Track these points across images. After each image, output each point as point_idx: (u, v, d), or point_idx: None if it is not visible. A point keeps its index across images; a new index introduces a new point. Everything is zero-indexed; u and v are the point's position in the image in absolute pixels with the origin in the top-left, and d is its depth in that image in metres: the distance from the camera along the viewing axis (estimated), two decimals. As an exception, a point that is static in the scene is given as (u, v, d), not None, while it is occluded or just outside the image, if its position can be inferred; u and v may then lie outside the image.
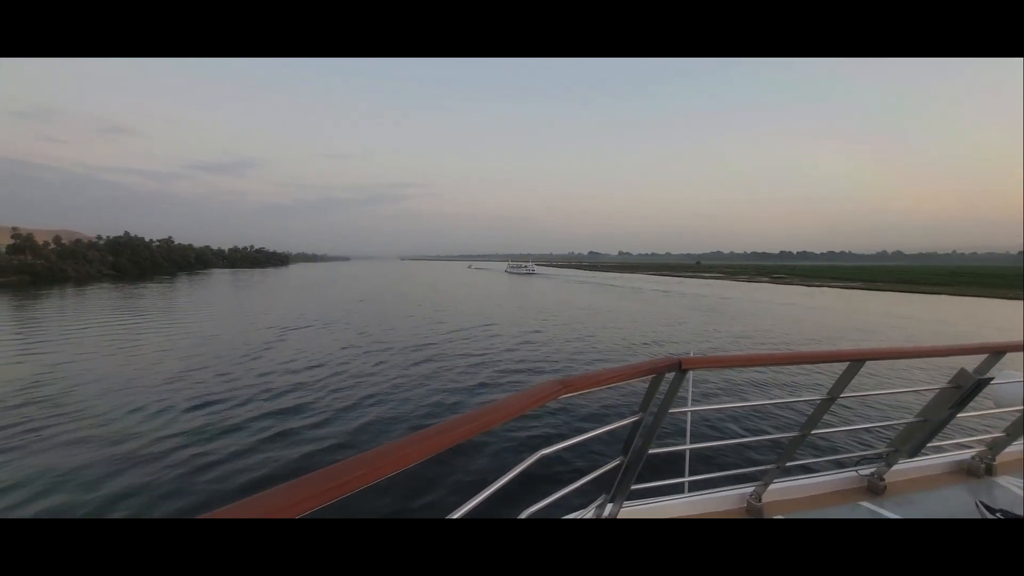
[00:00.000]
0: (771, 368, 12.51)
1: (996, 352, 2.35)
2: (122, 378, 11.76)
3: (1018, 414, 2.74)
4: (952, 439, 2.95)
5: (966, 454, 2.97)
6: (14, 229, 70.32)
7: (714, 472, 2.32)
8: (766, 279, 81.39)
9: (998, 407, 2.66)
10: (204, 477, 6.54)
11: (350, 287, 52.08)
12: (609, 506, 1.97)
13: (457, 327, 21.22)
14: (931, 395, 2.43)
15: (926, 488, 2.68)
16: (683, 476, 2.29)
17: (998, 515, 2.29)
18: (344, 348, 16.08)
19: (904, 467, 2.75)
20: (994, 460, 2.88)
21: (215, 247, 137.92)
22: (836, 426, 3.46)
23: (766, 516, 2.37)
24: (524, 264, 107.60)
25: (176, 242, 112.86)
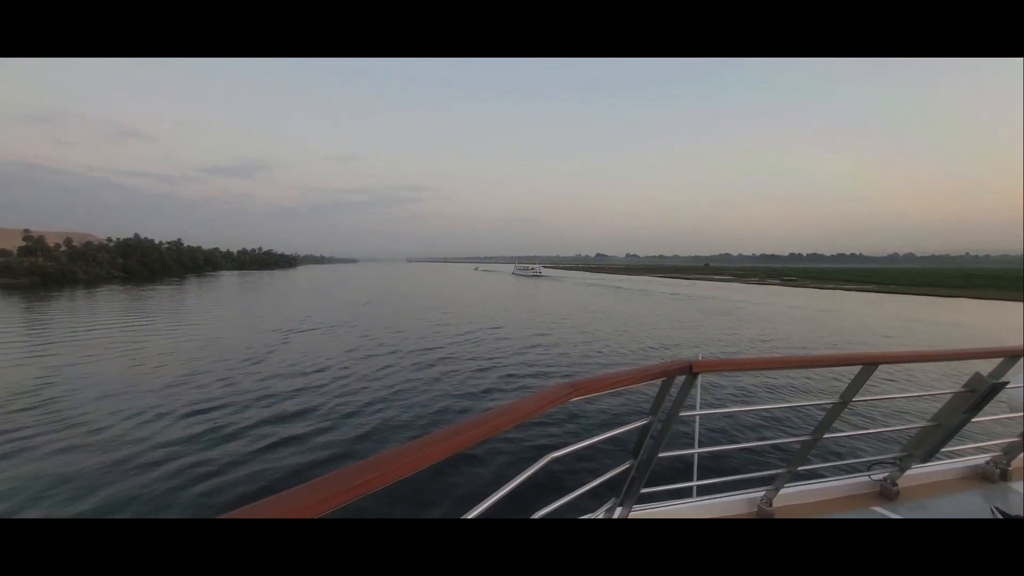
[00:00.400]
0: (782, 372, 12.04)
1: (1012, 356, 2.29)
2: (123, 382, 11.55)
3: None
4: (966, 444, 2.89)
5: (981, 459, 2.92)
6: (26, 231, 71.18)
7: (724, 476, 2.28)
8: (776, 281, 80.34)
9: (1013, 411, 2.57)
10: (196, 489, 6.24)
11: (357, 289, 52.03)
12: (619, 509, 1.96)
13: (464, 330, 20.91)
14: (945, 399, 2.38)
15: (940, 493, 2.65)
16: (692, 480, 2.32)
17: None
18: (348, 352, 15.80)
19: (917, 472, 2.71)
20: (1009, 465, 2.84)
21: (224, 249, 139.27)
22: (848, 430, 3.44)
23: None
24: (531, 266, 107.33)
25: (185, 244, 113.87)
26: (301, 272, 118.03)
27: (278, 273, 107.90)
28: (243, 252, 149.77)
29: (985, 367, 2.33)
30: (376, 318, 25.29)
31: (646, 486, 1.95)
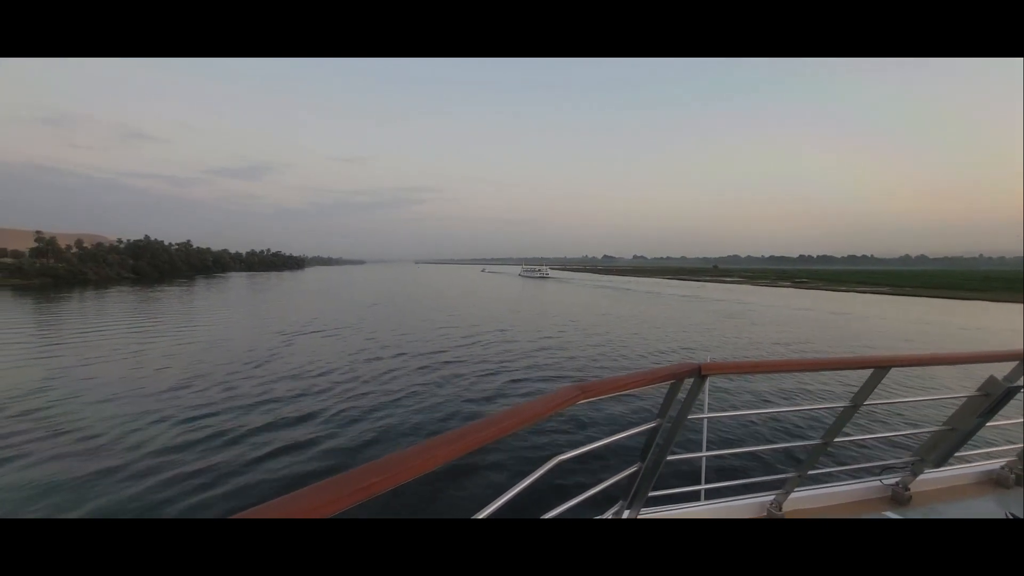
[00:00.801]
0: (792, 375, 12.09)
1: None
2: (124, 385, 11.37)
3: None
4: (980, 448, 2.87)
5: (994, 464, 2.86)
6: (37, 233, 72.03)
7: (733, 480, 2.29)
8: (788, 284, 79.27)
9: None
10: (188, 502, 5.96)
11: (364, 290, 51.97)
12: (627, 512, 1.97)
13: (471, 332, 20.61)
14: (958, 403, 2.36)
15: (953, 499, 2.62)
16: (700, 484, 2.28)
17: None
18: (354, 355, 15.55)
19: (930, 477, 2.68)
20: None
21: (232, 251, 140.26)
22: (859, 434, 3.35)
23: None
24: (538, 268, 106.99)
25: (194, 246, 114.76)
26: (309, 273, 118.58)
27: (286, 274, 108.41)
28: (251, 253, 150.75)
29: (1000, 370, 2.28)
30: (383, 320, 25.08)
31: (654, 489, 1.93)
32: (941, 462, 2.47)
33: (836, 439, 2.19)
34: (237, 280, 75.27)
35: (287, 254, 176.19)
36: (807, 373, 12.03)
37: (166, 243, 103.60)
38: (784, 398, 10.77)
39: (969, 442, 2.41)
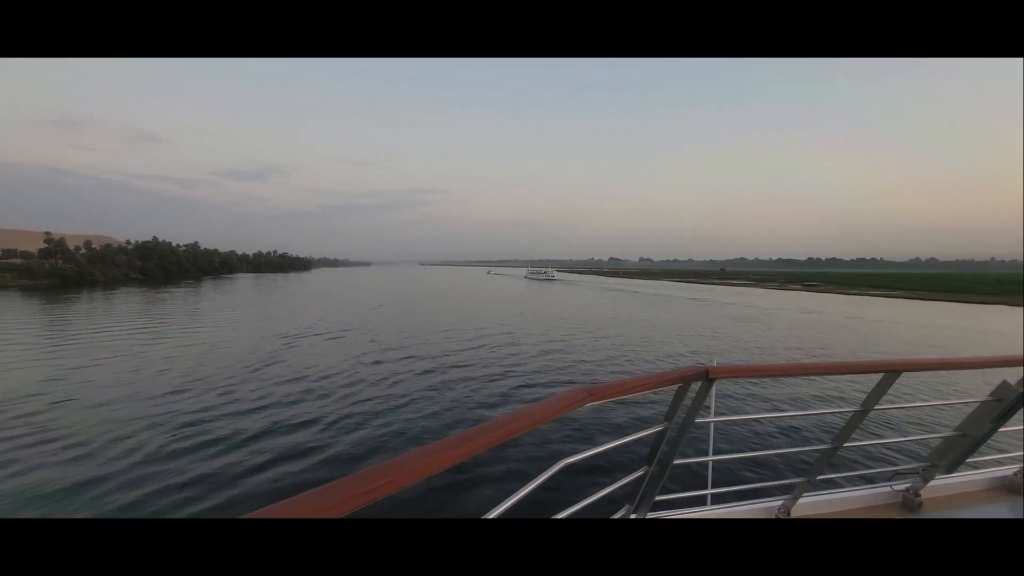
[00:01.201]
0: (801, 379, 11.83)
1: None
2: (122, 389, 11.11)
3: None
4: (992, 454, 2.82)
5: (1007, 470, 2.81)
6: (46, 234, 72.55)
7: (740, 485, 2.26)
8: (798, 287, 78.24)
9: None
10: (180, 513, 5.59)
11: (369, 292, 51.80)
12: (633, 516, 1.99)
13: (477, 335, 20.26)
14: (971, 408, 2.33)
15: (964, 505, 2.59)
16: (707, 488, 2.29)
17: None
18: (357, 359, 15.24)
19: (941, 483, 2.63)
20: None
21: (240, 252, 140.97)
22: (869, 439, 3.29)
23: None
24: (544, 270, 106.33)
25: (202, 247, 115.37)
26: (315, 275, 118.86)
27: (293, 276, 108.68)
28: (258, 255, 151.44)
29: (1013, 375, 2.23)
30: (387, 323, 24.80)
31: (660, 493, 1.93)
32: (953, 468, 2.45)
33: (846, 444, 2.16)
34: (244, 281, 75.46)
35: (293, 255, 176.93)
36: (816, 378, 11.88)
37: (174, 244, 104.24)
38: (792, 402, 10.60)
39: (981, 448, 2.39)
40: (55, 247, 71.37)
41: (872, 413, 2.09)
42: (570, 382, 12.39)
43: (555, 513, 1.41)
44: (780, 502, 2.36)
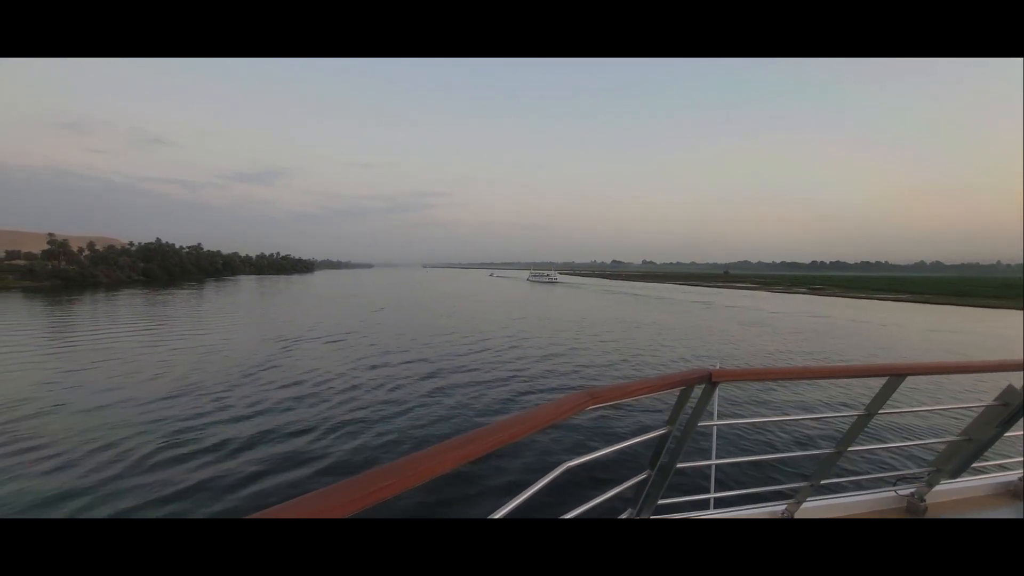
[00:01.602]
0: (805, 382, 11.74)
1: None
2: (115, 393, 10.79)
3: None
4: (998, 459, 2.80)
5: (1012, 475, 2.79)
6: (50, 235, 72.68)
7: (743, 489, 2.27)
8: (804, 290, 77.63)
9: None
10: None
11: (371, 294, 51.54)
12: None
13: (480, 339, 19.91)
14: (976, 413, 2.32)
15: (969, 510, 2.57)
16: (710, 492, 2.28)
17: None
18: (356, 363, 14.89)
19: (946, 488, 2.63)
20: None
21: (243, 254, 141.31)
22: (874, 443, 3.40)
23: None
24: (546, 273, 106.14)
25: (205, 249, 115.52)
26: (318, 277, 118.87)
27: (295, 278, 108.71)
28: (261, 257, 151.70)
29: (1019, 379, 2.20)
30: (388, 326, 24.47)
31: (663, 497, 1.93)
32: (958, 473, 2.43)
33: (850, 448, 2.16)
34: (246, 283, 75.37)
35: (296, 257, 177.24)
36: (820, 381, 11.75)
37: (177, 246, 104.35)
38: (796, 406, 10.54)
39: (986, 452, 2.36)
40: (58, 248, 71.47)
41: (877, 417, 2.07)
42: (575, 387, 12.06)
43: (557, 515, 1.36)
44: (784, 506, 2.36)
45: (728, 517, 2.30)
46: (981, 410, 2.31)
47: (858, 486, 2.66)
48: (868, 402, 2.08)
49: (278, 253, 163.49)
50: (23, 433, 8.18)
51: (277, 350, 16.67)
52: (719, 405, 2.77)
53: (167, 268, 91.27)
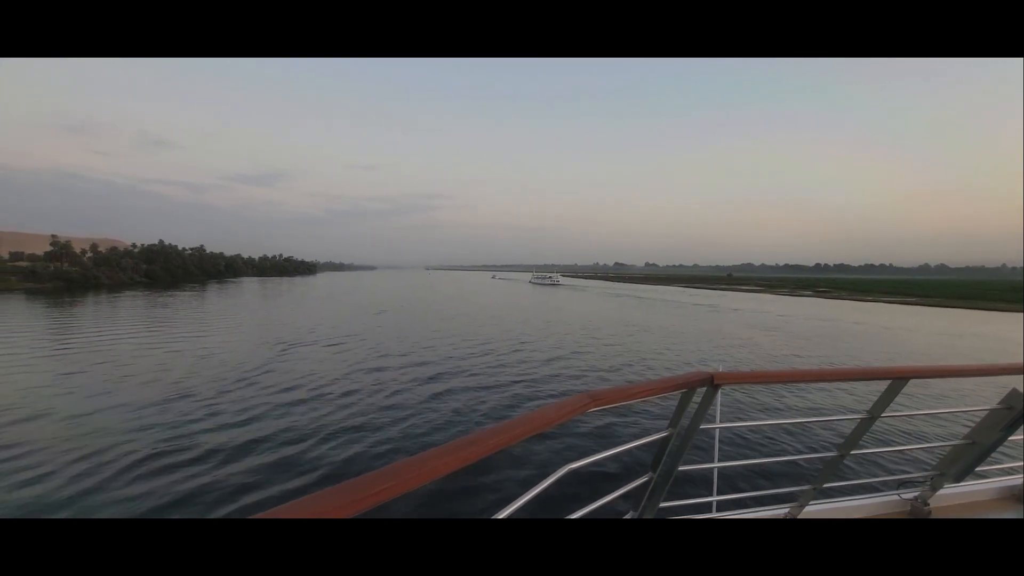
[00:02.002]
0: (807, 386, 11.79)
1: None
2: (106, 397, 10.44)
3: None
4: (1002, 463, 2.79)
5: (1017, 479, 2.77)
6: (53, 237, 72.69)
7: (745, 492, 2.28)
8: (809, 292, 76.96)
9: None
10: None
11: (373, 297, 51.22)
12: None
13: (482, 343, 19.50)
14: (980, 416, 2.33)
15: (973, 514, 2.56)
16: (712, 495, 2.29)
17: None
18: (356, 366, 14.52)
19: (950, 492, 2.62)
20: None
21: (246, 256, 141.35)
22: (877, 447, 3.15)
23: None
24: (548, 275, 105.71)
25: (208, 251, 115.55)
26: (320, 279, 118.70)
27: (298, 280, 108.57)
28: (264, 258, 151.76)
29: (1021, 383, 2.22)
30: (390, 329, 24.11)
31: (665, 500, 1.94)
32: (962, 477, 2.41)
33: (852, 451, 2.15)
34: (248, 285, 75.18)
35: (299, 259, 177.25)
36: (823, 385, 11.84)
37: (180, 248, 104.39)
38: (799, 409, 10.49)
39: (991, 456, 2.35)
40: (60, 250, 71.46)
41: (880, 420, 2.07)
42: (581, 392, 11.61)
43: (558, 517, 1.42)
44: (786, 509, 2.34)
45: (731, 518, 2.28)
46: (985, 413, 2.29)
47: (861, 489, 2.68)
48: (871, 405, 2.06)
49: (280, 255, 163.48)
50: (2, 441, 7.80)
51: (275, 354, 16.31)
52: (722, 408, 2.62)
53: (170, 270, 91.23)
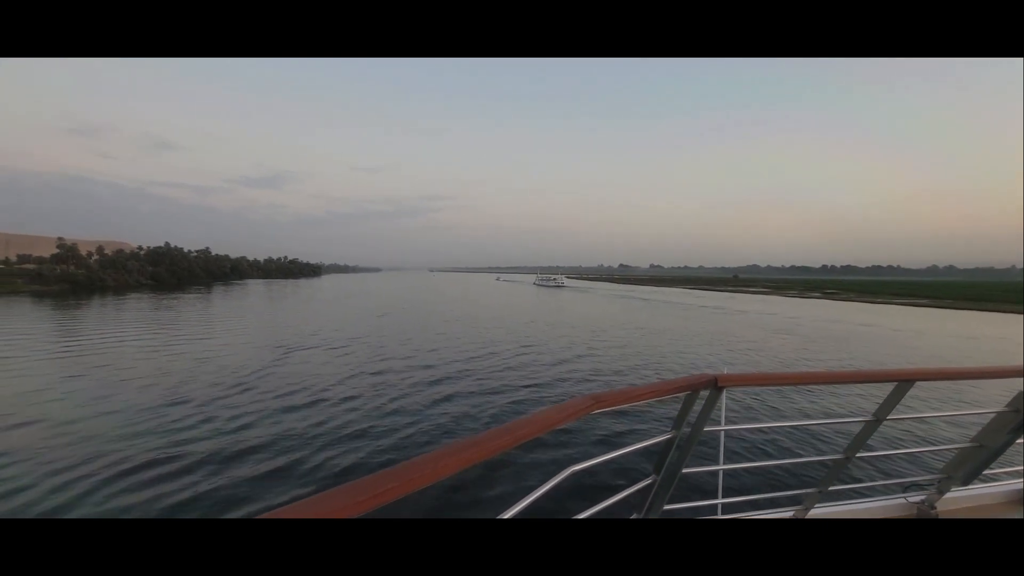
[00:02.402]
0: (814, 387, 11.68)
1: None
2: (103, 403, 10.21)
3: None
4: (1009, 466, 2.73)
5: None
6: (59, 239, 73.17)
7: (750, 495, 2.22)
8: (817, 294, 76.17)
9: None
10: None
11: (377, 299, 51.09)
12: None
13: (486, 345, 19.21)
14: (987, 419, 2.30)
15: (980, 518, 2.51)
16: (717, 498, 2.30)
17: None
18: (359, 369, 14.27)
19: (957, 495, 2.59)
20: None
21: (251, 258, 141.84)
22: (883, 450, 3.00)
23: None
24: (553, 277, 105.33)
25: (214, 252, 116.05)
26: (325, 281, 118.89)
27: (303, 282, 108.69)
28: (269, 261, 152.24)
29: None
30: (393, 331, 23.89)
31: (669, 502, 1.94)
32: (969, 480, 2.39)
33: (858, 454, 2.14)
34: (254, 287, 75.31)
35: (304, 261, 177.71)
36: (827, 387, 11.74)
37: (186, 250, 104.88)
38: (804, 411, 10.38)
39: (998, 459, 2.33)
40: (67, 253, 71.89)
41: (886, 423, 2.07)
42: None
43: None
44: (791, 512, 2.34)
45: (736, 518, 2.25)
46: (992, 416, 2.27)
47: (867, 492, 2.69)
48: (877, 408, 2.04)
49: (285, 257, 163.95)
50: (-6, 449, 7.60)
51: (278, 356, 16.09)
52: (727, 410, 2.44)
53: (175, 272, 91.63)
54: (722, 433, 2.18)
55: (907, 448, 2.56)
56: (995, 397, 10.67)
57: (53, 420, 9.10)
